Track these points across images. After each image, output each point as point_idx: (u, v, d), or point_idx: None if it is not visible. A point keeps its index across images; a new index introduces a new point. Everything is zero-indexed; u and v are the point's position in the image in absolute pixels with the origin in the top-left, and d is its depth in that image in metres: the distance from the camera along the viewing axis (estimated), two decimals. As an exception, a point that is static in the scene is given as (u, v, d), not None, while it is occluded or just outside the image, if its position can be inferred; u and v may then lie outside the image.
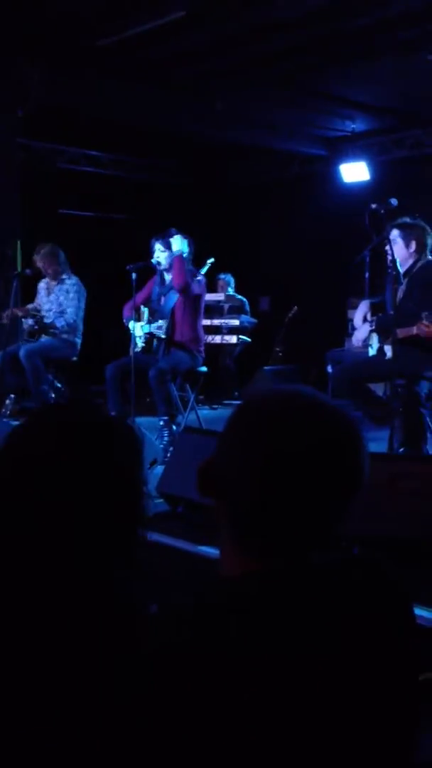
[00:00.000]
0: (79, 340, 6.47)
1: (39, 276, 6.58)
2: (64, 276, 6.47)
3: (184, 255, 5.70)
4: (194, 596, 0.93)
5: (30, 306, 6.61)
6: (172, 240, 5.75)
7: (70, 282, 6.45)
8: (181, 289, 5.67)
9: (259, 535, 0.96)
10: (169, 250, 5.72)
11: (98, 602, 1.02)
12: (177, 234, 5.75)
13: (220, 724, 0.85)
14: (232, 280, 9.15)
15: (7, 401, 6.23)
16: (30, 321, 6.48)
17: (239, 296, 9.08)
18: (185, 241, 5.74)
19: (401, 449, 4.49)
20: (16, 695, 0.96)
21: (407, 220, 4.90)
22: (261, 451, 0.96)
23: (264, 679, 0.87)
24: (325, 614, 0.93)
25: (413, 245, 4.80)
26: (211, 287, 8.57)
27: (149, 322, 5.85)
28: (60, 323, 6.36)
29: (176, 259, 5.69)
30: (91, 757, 0.92)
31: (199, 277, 5.97)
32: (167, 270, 5.84)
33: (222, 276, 9.01)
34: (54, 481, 1.05)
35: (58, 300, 6.43)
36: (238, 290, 9.18)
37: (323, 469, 0.95)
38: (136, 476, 1.13)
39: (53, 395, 6.23)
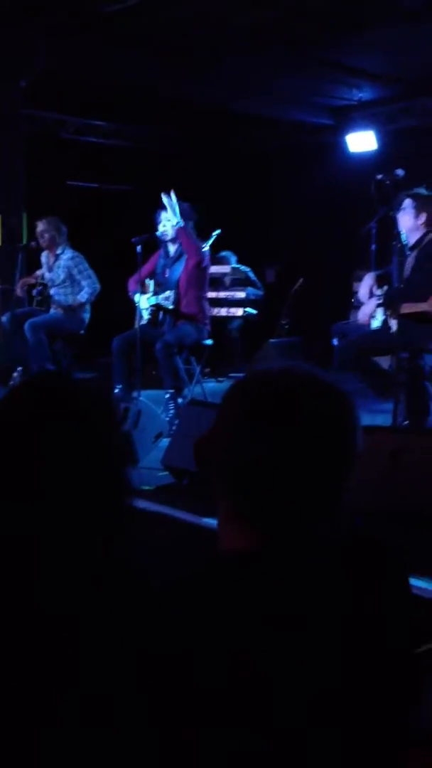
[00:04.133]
0: (87, 315, 6.46)
1: (41, 249, 6.55)
2: (58, 251, 6.41)
3: (180, 224, 5.65)
4: (193, 574, 0.94)
5: (38, 272, 6.59)
6: (164, 213, 5.70)
7: (66, 257, 6.37)
8: (196, 259, 5.62)
9: (254, 510, 0.98)
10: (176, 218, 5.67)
11: (88, 574, 1.01)
12: (172, 201, 5.67)
13: (217, 699, 0.87)
14: (233, 258, 8.98)
15: (15, 373, 6.25)
16: (38, 290, 6.47)
17: (243, 267, 9.00)
18: (177, 208, 5.66)
19: (405, 422, 4.50)
20: (15, 672, 0.97)
21: (423, 191, 4.83)
22: (253, 425, 0.98)
23: (261, 655, 0.89)
24: (323, 591, 0.95)
25: (423, 217, 4.76)
26: (214, 261, 8.46)
27: (155, 293, 5.83)
28: (83, 298, 6.33)
29: (181, 232, 5.65)
30: (90, 729, 0.94)
31: (204, 249, 5.92)
32: (172, 241, 5.81)
33: (222, 254, 8.71)
34: (30, 452, 1.03)
35: (61, 277, 6.38)
36: (242, 262, 9.08)
37: (315, 442, 0.96)
38: (114, 444, 1.10)
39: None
